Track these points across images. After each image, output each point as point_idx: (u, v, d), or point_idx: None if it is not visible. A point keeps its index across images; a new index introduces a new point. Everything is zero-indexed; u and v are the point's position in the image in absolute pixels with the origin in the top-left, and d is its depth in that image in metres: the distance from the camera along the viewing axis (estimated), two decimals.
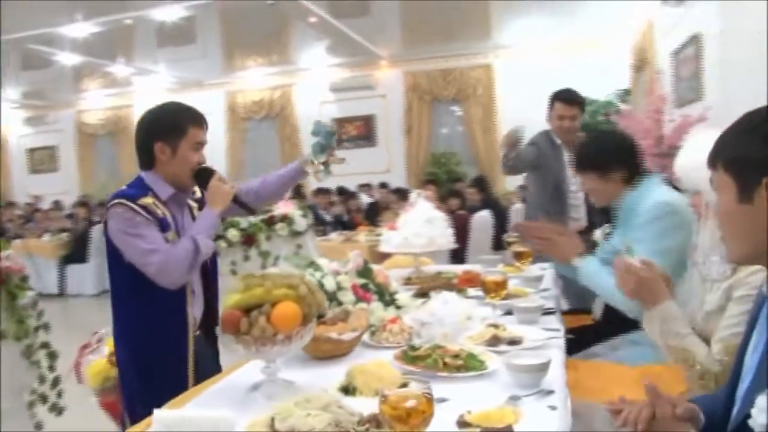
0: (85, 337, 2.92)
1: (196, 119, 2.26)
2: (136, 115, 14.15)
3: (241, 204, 2.32)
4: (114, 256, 2.19)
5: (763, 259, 1.25)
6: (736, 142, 1.25)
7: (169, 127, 2.22)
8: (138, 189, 2.21)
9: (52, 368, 2.66)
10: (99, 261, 9.79)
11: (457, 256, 6.34)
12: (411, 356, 1.81)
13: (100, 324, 2.98)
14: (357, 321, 2.00)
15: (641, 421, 1.33)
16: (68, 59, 11.17)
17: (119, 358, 2.30)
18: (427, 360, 1.76)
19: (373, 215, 8.94)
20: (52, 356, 2.66)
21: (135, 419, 2.16)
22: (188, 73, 12.95)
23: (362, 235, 7.38)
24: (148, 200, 2.17)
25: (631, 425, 1.34)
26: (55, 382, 2.64)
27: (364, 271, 2.41)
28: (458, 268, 3.30)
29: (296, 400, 1.42)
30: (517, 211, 7.50)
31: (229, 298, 1.69)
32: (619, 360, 2.31)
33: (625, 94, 10.49)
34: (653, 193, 2.38)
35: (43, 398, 2.59)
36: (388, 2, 10.54)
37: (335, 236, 7.18)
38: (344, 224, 8.67)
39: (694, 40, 6.98)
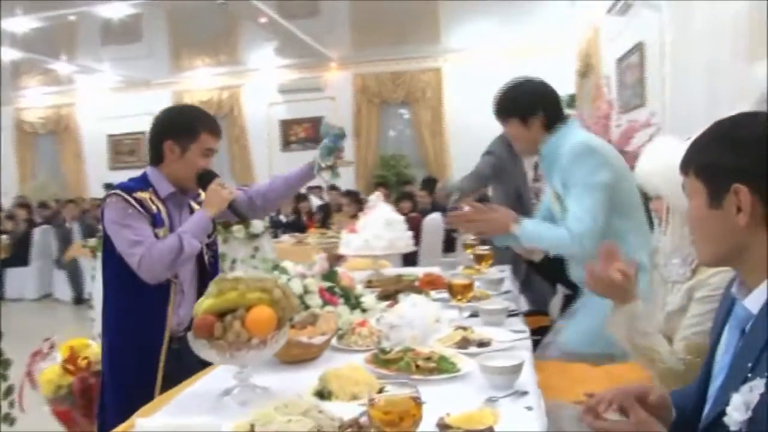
0: (28, 344, 2.82)
1: (211, 126, 2.31)
2: (79, 113, 13.96)
3: (234, 210, 2.32)
4: (108, 246, 2.23)
5: (732, 261, 1.30)
6: (706, 149, 1.30)
7: (183, 127, 2.27)
8: (138, 183, 2.26)
9: (3, 377, 2.56)
10: (41, 264, 9.50)
11: (409, 258, 6.37)
12: (383, 359, 1.81)
13: (43, 329, 2.89)
14: (326, 325, 1.99)
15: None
16: (7, 54, 10.77)
17: (102, 352, 2.35)
18: (400, 363, 1.76)
19: (325, 217, 8.91)
20: (4, 365, 2.57)
21: (104, 412, 2.26)
22: (134, 72, 12.67)
23: (313, 237, 7.35)
24: (144, 195, 2.21)
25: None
26: (8, 391, 2.55)
27: (330, 275, 2.41)
28: (418, 271, 3.32)
29: (275, 405, 1.40)
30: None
31: (201, 302, 1.67)
32: (565, 344, 2.39)
33: (571, 99, 10.72)
34: (570, 135, 2.42)
35: None
36: (338, 4, 10.53)
37: (287, 238, 7.13)
38: (295, 226, 8.61)
39: (638, 48, 7.20)
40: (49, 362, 2.97)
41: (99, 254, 4.00)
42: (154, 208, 2.21)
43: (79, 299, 8.76)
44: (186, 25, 11.17)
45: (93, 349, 3.00)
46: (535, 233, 2.44)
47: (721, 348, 1.33)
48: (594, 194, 2.27)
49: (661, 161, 1.91)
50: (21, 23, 9.28)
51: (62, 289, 9.12)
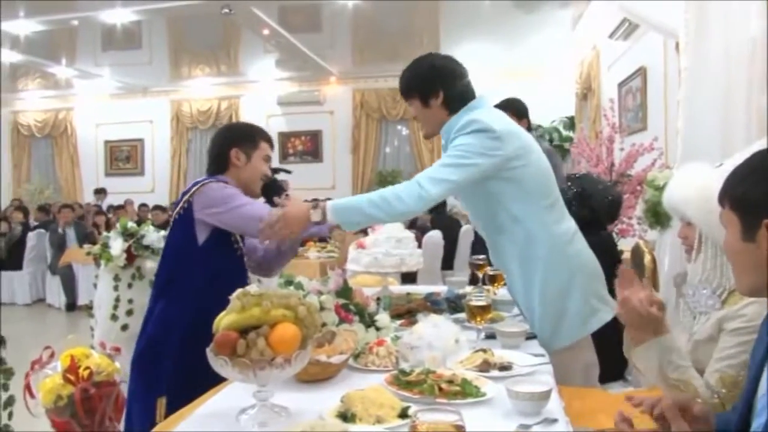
0: (20, 350, 2.76)
1: (267, 136, 2.63)
2: (77, 118, 13.89)
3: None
4: (185, 241, 2.42)
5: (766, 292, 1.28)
6: (741, 181, 1.29)
7: (246, 137, 2.56)
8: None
9: (5, 387, 2.49)
10: (34, 269, 9.40)
11: (408, 276, 6.32)
12: (404, 381, 1.76)
13: (36, 335, 2.82)
14: (345, 343, 1.95)
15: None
16: (6, 56, 10.70)
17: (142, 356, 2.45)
18: (423, 385, 1.72)
19: None
20: (7, 374, 2.50)
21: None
22: (133, 79, 12.64)
23: (312, 251, 7.30)
24: None
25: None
26: (8, 402, 2.48)
27: (344, 291, 2.36)
28: (425, 289, 3.27)
29: (302, 427, 1.36)
30: (467, 231, 7.56)
31: (222, 317, 1.62)
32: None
33: (570, 122, 10.76)
34: (468, 116, 2.27)
35: None
36: (340, 19, 10.57)
37: None
38: None
39: (641, 72, 7.24)
40: (48, 371, 2.91)
41: (102, 261, 3.96)
42: None
43: (72, 305, 8.67)
44: (187, 34, 11.16)
45: (95, 359, 2.94)
46: (341, 209, 2.17)
47: (762, 384, 1.30)
48: (468, 159, 2.18)
49: (696, 189, 1.87)
50: (22, 26, 9.25)
51: (55, 294, 9.02)
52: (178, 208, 2.45)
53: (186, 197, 2.42)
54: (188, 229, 2.40)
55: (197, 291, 2.38)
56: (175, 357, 2.35)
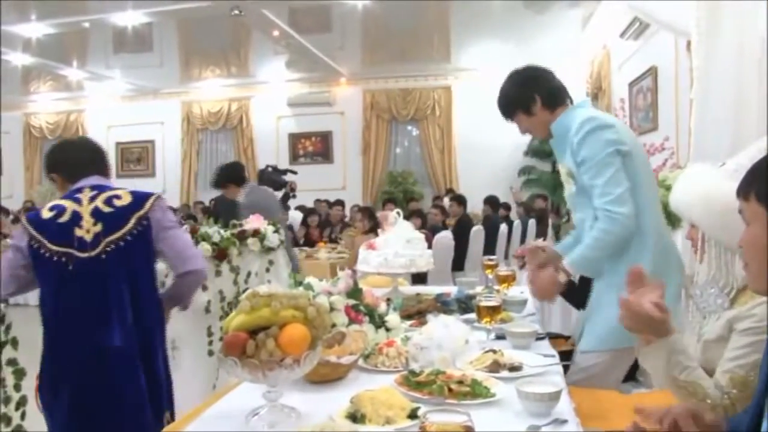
0: (32, 352, 2.77)
1: None
2: (88, 120, 13.96)
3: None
4: (150, 255, 2.31)
5: None
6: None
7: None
8: None
9: (17, 387, 2.51)
10: None
11: (418, 276, 6.30)
12: (414, 382, 1.76)
13: None
14: (354, 344, 1.95)
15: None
16: (18, 59, 10.78)
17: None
18: (432, 386, 1.72)
19: (331, 232, 8.88)
20: (19, 374, 2.52)
21: None
22: (144, 81, 12.69)
23: (322, 252, 7.32)
24: None
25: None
26: (21, 402, 2.50)
27: (354, 292, 2.36)
28: (435, 290, 3.26)
29: (312, 428, 1.36)
30: (477, 232, 7.53)
31: (232, 318, 1.62)
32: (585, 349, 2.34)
33: None
34: (579, 113, 2.37)
35: (7, 420, 2.44)
36: (350, 19, 10.59)
37: (296, 252, 7.09)
38: (304, 240, 8.59)
39: (652, 72, 7.20)
40: None
41: None
42: None
43: None
44: (197, 36, 11.21)
45: None
46: (583, 257, 2.30)
47: None
48: (612, 164, 2.24)
49: (697, 191, 1.86)
50: (34, 29, 9.31)
51: None
52: (130, 227, 2.22)
53: (142, 213, 2.23)
54: (148, 248, 2.26)
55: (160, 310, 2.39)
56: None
